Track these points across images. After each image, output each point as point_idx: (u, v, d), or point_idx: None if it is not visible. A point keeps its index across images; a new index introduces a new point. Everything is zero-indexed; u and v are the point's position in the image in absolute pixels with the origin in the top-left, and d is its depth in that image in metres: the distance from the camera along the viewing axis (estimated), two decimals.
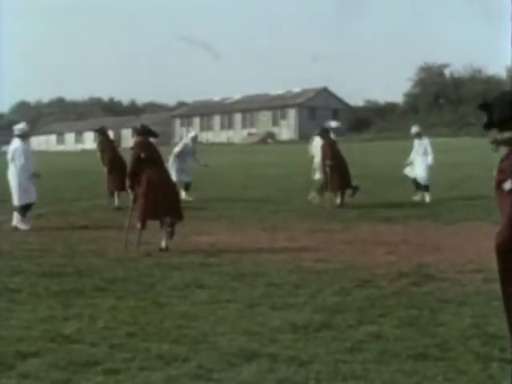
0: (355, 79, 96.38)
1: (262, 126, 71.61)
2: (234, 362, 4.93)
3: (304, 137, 61.60)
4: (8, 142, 13.77)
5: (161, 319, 6.11)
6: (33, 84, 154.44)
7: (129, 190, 10.33)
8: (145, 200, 9.83)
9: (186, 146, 17.65)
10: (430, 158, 16.52)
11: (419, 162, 16.50)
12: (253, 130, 72.13)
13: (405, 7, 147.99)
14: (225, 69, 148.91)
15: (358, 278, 7.83)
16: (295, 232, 11.77)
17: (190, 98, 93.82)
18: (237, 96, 78.98)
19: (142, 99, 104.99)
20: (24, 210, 12.53)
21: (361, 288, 7.33)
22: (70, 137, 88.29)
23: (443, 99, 67.31)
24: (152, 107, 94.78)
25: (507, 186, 4.33)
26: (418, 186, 16.53)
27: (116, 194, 15.59)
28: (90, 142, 76.52)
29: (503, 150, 4.55)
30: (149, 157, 10.02)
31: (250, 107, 73.76)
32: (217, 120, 76.49)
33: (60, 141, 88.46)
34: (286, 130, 70.00)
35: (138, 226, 9.89)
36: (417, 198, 16.34)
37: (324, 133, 16.18)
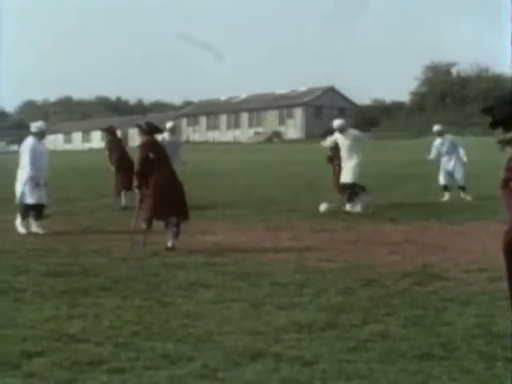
0: (362, 78, 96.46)
1: (268, 126, 71.61)
2: (238, 362, 4.93)
3: (310, 136, 61.66)
4: (17, 142, 13.57)
5: (166, 318, 6.11)
6: (39, 83, 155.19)
7: (136, 190, 10.36)
8: (152, 200, 9.83)
9: (162, 139, 14.12)
10: (461, 155, 16.55)
11: (451, 164, 16.50)
12: (259, 129, 72.13)
13: (412, 6, 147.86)
14: (229, 69, 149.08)
15: (363, 277, 7.83)
16: (299, 231, 11.77)
17: (196, 97, 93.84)
18: (243, 95, 78.99)
19: (148, 98, 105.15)
20: (25, 210, 11.90)
21: (365, 287, 7.33)
22: (77, 136, 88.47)
23: (450, 98, 67.17)
24: (159, 106, 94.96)
25: None
26: (446, 187, 16.53)
27: (123, 193, 15.60)
28: (97, 141, 76.72)
29: (509, 150, 4.55)
30: (156, 156, 10.03)
31: (256, 106, 73.77)
32: (223, 119, 76.53)
33: (67, 140, 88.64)
34: (293, 129, 69.99)
35: (144, 226, 9.90)
36: (445, 198, 16.28)
37: (328, 133, 16.12)
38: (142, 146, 10.21)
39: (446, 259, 8.97)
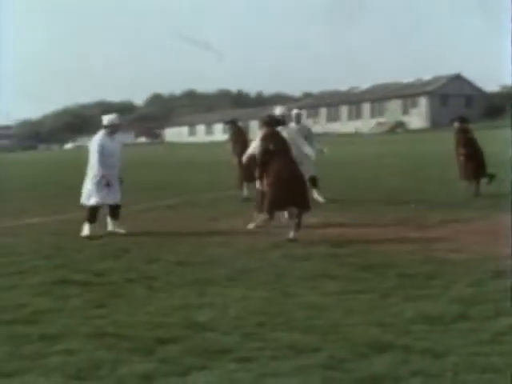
0: (490, 64, 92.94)
1: (391, 115, 70.48)
2: (366, 353, 4.86)
3: (436, 125, 60.20)
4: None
5: (290, 309, 6.11)
6: (166, 76, 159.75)
7: (258, 181, 10.45)
8: (272, 190, 9.89)
9: (289, 128, 12.15)
10: None
11: None
12: (382, 120, 71.13)
13: None
14: (350, 59, 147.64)
15: (494, 269, 7.51)
16: (427, 222, 11.46)
17: (316, 88, 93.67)
18: (365, 85, 78.11)
19: (268, 91, 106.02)
20: (91, 212, 10.74)
21: (497, 279, 7.03)
22: (200, 128, 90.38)
23: None
24: (278, 98, 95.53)
25: None
26: None
27: (245, 184, 15.76)
28: (219, 133, 78.14)
29: None
30: (277, 148, 10.08)
31: (378, 96, 72.79)
32: (344, 110, 76.01)
33: (191, 132, 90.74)
34: (417, 119, 68.57)
35: (266, 216, 9.95)
36: None
37: (458, 121, 15.77)
38: (263, 138, 10.30)
39: None
